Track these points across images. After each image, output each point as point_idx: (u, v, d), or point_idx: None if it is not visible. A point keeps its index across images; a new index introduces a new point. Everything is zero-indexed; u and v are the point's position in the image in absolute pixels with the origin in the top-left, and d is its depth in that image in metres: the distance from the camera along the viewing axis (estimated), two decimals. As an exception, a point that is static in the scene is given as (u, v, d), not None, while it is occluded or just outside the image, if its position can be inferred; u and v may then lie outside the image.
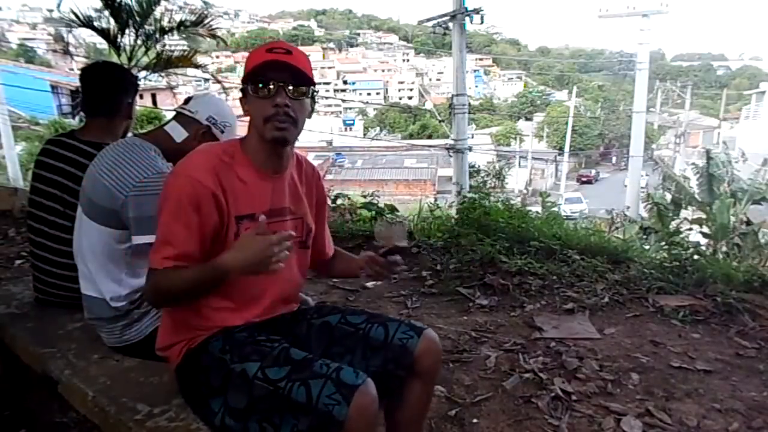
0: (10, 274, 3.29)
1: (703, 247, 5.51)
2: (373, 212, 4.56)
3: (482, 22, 9.44)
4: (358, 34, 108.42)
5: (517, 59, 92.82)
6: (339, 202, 5.12)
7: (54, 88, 21.61)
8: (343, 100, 64.81)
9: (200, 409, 1.31)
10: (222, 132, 1.75)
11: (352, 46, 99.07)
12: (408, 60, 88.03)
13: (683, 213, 10.42)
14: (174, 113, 1.78)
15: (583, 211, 21.76)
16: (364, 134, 49.81)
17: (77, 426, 2.00)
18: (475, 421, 1.98)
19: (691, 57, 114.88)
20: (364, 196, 5.13)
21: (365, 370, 1.23)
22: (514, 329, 2.77)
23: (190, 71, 8.55)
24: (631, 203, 14.31)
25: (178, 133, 1.72)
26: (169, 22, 6.50)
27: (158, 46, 6.58)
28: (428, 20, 10.43)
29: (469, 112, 11.30)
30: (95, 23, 6.09)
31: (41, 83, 20.77)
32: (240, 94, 1.35)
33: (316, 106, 1.50)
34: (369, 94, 71.64)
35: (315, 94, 1.36)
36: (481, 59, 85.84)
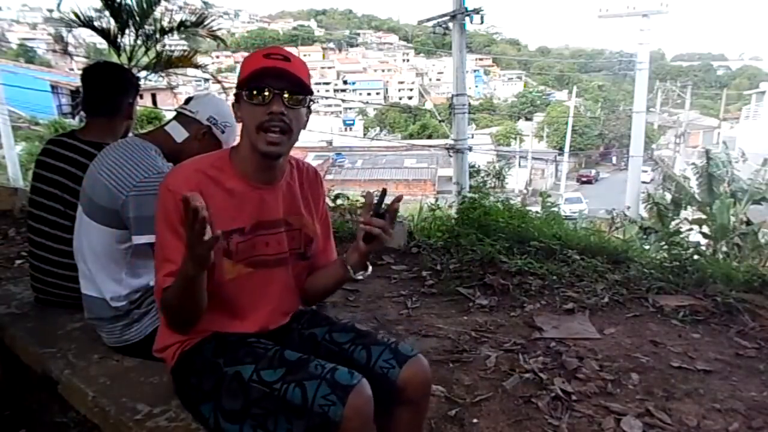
0: (10, 274, 3.29)
1: (703, 247, 5.52)
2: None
3: (482, 22, 9.44)
4: (358, 34, 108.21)
5: (517, 59, 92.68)
6: (339, 202, 5.11)
7: (54, 88, 21.64)
8: (343, 100, 64.74)
9: (193, 413, 1.31)
10: (222, 132, 1.75)
11: (352, 46, 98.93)
12: (408, 60, 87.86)
13: (683, 213, 10.41)
14: (174, 113, 1.79)
15: (583, 211, 21.68)
16: (364, 134, 49.80)
17: (77, 426, 2.00)
18: (475, 421, 1.99)
19: (691, 57, 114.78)
20: (364, 196, 5.11)
21: None
22: (514, 329, 2.77)
23: (190, 71, 8.53)
24: (631, 203, 14.31)
25: (179, 133, 1.72)
26: (169, 22, 6.48)
27: (158, 46, 6.56)
28: (428, 20, 10.44)
29: (469, 112, 11.32)
30: (95, 23, 6.08)
31: (41, 83, 20.80)
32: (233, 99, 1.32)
33: (316, 107, 1.46)
34: (369, 94, 71.51)
35: (312, 103, 1.32)
36: (481, 59, 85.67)
